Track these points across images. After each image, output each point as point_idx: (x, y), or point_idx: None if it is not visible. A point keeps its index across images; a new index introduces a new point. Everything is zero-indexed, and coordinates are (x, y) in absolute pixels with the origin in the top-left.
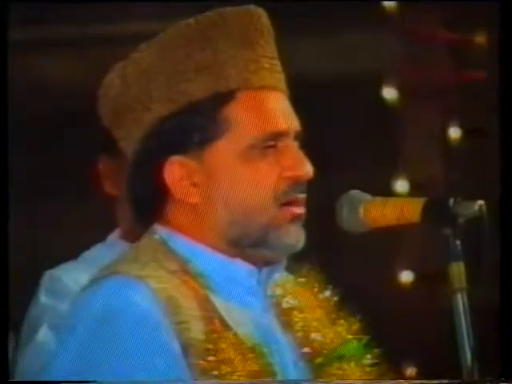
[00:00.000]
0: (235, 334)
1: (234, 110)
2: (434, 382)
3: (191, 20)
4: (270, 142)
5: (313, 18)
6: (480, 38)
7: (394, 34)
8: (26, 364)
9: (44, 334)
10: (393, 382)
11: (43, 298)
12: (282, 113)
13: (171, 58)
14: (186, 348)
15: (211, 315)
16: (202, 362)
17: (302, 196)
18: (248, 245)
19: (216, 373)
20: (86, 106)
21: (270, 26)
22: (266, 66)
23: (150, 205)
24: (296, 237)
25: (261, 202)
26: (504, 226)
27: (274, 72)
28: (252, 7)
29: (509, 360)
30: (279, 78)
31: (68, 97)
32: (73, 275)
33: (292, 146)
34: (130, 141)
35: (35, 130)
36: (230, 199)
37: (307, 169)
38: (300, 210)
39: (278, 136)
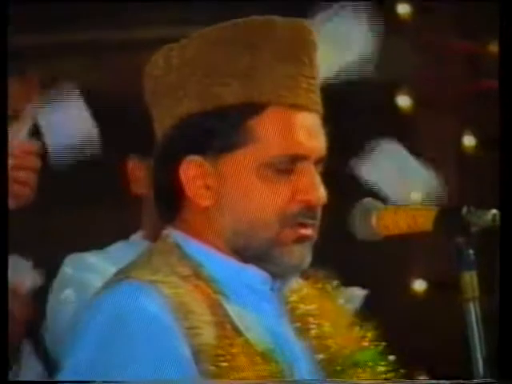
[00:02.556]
0: (246, 340)
1: (259, 123)
2: (442, 381)
3: (240, 20)
4: (289, 162)
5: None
6: (494, 47)
7: (408, 42)
8: (52, 320)
9: (68, 295)
10: (400, 382)
11: (67, 269)
12: (307, 134)
13: (212, 55)
14: (197, 353)
15: (223, 320)
16: (212, 367)
17: (312, 222)
18: (251, 257)
19: (226, 378)
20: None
21: (317, 44)
22: (304, 85)
23: (170, 200)
24: (299, 257)
25: (266, 218)
26: None
27: (309, 92)
28: (305, 22)
29: (509, 360)
30: (314, 99)
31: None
32: (96, 258)
33: (310, 170)
34: (160, 125)
35: None
36: (237, 209)
37: (319, 195)
38: (307, 232)
39: (297, 158)
